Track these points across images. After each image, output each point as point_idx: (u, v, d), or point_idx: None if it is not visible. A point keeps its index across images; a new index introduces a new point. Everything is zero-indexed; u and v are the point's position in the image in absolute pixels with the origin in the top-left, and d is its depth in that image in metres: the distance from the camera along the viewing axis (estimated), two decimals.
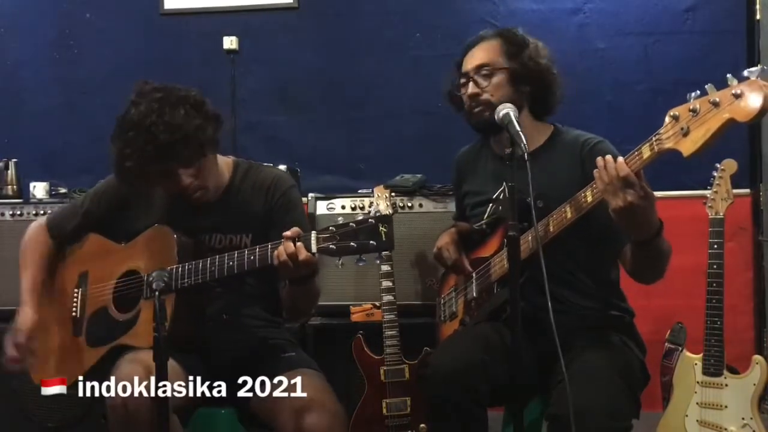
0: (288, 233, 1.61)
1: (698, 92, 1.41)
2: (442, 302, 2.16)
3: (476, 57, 1.93)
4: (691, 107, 1.40)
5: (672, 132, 1.44)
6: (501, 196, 1.91)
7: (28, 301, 1.93)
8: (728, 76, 1.35)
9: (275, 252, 1.62)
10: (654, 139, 1.48)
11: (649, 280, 1.79)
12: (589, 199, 1.64)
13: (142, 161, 1.68)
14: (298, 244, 1.60)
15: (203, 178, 1.80)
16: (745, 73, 1.32)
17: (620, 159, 1.55)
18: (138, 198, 1.93)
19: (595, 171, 1.58)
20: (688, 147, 1.41)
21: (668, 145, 1.45)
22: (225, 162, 1.94)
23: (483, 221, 1.96)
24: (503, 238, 1.83)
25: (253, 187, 1.91)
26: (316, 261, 1.63)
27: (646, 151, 1.51)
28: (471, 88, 1.92)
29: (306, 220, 1.97)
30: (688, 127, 1.40)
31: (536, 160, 1.85)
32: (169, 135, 1.67)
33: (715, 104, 1.35)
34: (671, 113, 1.44)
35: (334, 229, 1.57)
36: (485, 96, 1.89)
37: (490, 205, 1.94)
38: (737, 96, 1.32)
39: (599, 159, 1.58)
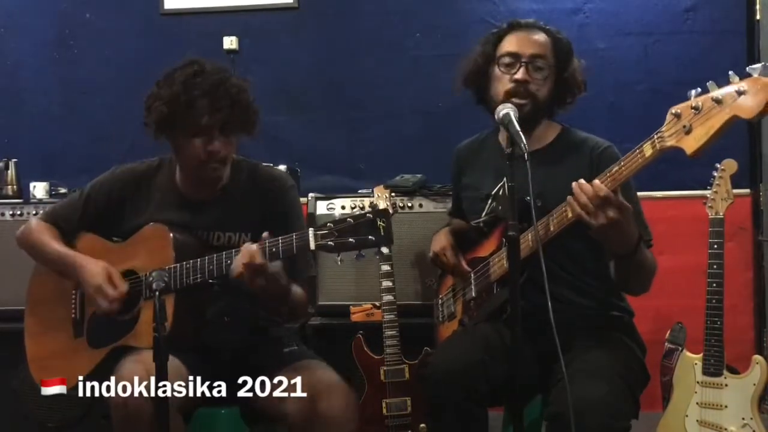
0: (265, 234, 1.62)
1: (699, 90, 1.40)
2: (440, 303, 2.15)
3: (533, 44, 1.86)
4: (693, 105, 1.39)
5: (674, 130, 1.43)
6: (500, 192, 1.90)
7: (78, 259, 1.86)
8: (730, 73, 1.34)
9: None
10: (656, 137, 1.48)
11: (633, 291, 1.82)
12: None
13: (203, 104, 1.72)
14: (254, 250, 1.60)
15: (229, 154, 1.82)
16: (748, 69, 1.31)
17: (596, 181, 1.57)
18: (135, 194, 1.93)
19: (569, 197, 1.60)
20: (691, 145, 1.40)
21: (671, 142, 1.44)
22: None
23: (481, 219, 1.96)
24: (501, 238, 1.83)
25: (253, 186, 1.91)
26: (268, 271, 1.63)
27: (647, 150, 1.50)
28: (522, 73, 1.82)
29: (303, 222, 1.97)
30: (690, 124, 1.40)
31: (543, 157, 1.85)
32: (236, 91, 1.76)
33: (718, 101, 1.35)
34: (673, 111, 1.44)
35: (332, 225, 1.56)
36: (533, 87, 1.83)
37: (489, 201, 1.94)
38: (740, 93, 1.31)
39: (574, 184, 1.59)
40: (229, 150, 1.81)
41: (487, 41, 1.94)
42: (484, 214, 1.95)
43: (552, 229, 1.71)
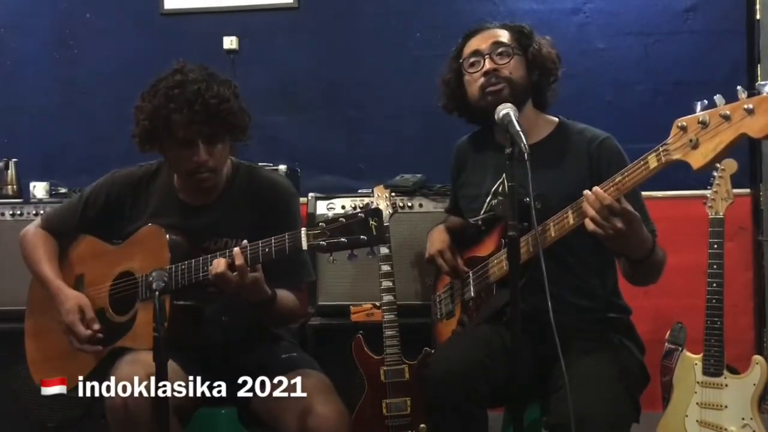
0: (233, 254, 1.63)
1: (705, 102, 1.37)
2: (438, 300, 2.14)
3: (490, 36, 1.89)
4: (700, 119, 1.36)
5: (680, 143, 1.41)
6: (500, 190, 1.90)
7: (55, 291, 1.88)
8: (738, 88, 1.31)
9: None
10: (661, 149, 1.45)
11: (645, 285, 1.79)
12: None
13: (179, 119, 1.70)
14: (236, 251, 1.62)
15: (218, 163, 1.81)
16: (757, 86, 1.29)
17: (597, 188, 1.53)
18: (134, 198, 1.93)
19: (584, 203, 1.55)
20: (697, 160, 1.38)
21: (676, 156, 1.42)
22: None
23: (479, 217, 1.94)
24: (500, 238, 1.82)
25: (252, 191, 1.90)
26: (242, 282, 1.63)
27: (652, 162, 1.47)
28: (488, 63, 1.85)
29: None
30: (697, 139, 1.37)
31: (539, 152, 1.82)
32: (216, 102, 1.72)
33: (726, 118, 1.32)
34: (678, 123, 1.41)
35: (324, 225, 1.57)
36: (504, 72, 1.84)
37: (488, 199, 1.93)
38: (749, 111, 1.28)
39: (587, 193, 1.54)
40: (218, 159, 1.80)
41: (451, 59, 1.98)
42: (482, 212, 1.94)
43: (553, 234, 1.69)
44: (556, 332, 1.47)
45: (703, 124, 1.36)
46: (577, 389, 1.55)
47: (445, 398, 1.71)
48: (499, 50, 1.87)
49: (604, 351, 1.75)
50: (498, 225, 1.87)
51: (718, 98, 1.35)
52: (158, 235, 1.80)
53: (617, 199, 1.52)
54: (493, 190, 1.92)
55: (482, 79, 1.85)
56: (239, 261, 1.62)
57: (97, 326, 1.82)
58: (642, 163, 1.50)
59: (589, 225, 1.55)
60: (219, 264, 1.63)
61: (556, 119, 1.95)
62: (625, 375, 1.70)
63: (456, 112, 2.03)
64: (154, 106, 1.73)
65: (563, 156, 1.86)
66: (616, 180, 1.54)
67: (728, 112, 1.32)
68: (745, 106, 1.29)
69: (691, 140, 1.38)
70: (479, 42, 1.91)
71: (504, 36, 1.90)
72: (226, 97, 1.75)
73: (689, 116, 1.40)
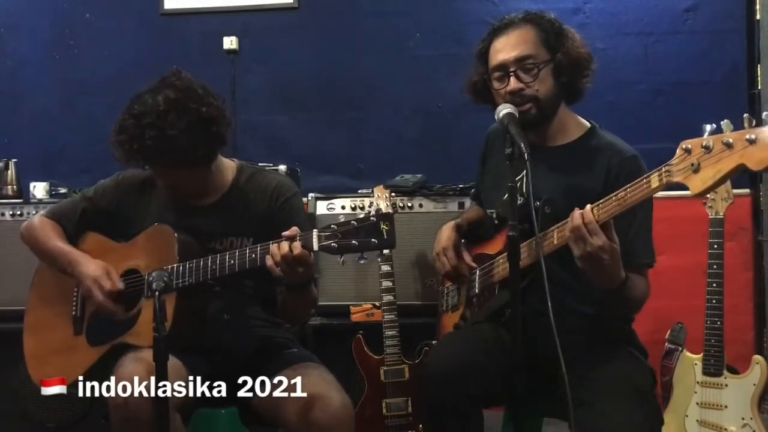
0: (287, 233, 1.61)
1: (714, 126, 1.35)
2: (445, 292, 2.12)
3: (514, 47, 1.78)
4: (704, 143, 1.34)
5: (682, 165, 1.39)
6: (518, 186, 1.87)
7: (77, 256, 1.88)
8: (745, 116, 1.29)
9: (267, 255, 1.63)
10: (664, 169, 1.43)
11: (617, 316, 1.79)
12: None
13: (130, 149, 1.73)
14: (295, 243, 1.59)
15: (216, 179, 1.85)
16: (764, 116, 1.26)
17: (587, 207, 1.53)
18: (138, 200, 1.94)
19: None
20: (696, 185, 1.36)
21: (677, 178, 1.40)
22: (229, 165, 1.94)
23: (494, 210, 1.90)
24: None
25: (255, 190, 1.91)
26: (311, 261, 1.63)
27: (654, 181, 1.46)
28: (513, 83, 1.76)
29: (308, 227, 1.96)
30: (699, 163, 1.35)
31: (560, 156, 1.82)
32: (153, 141, 1.69)
33: (729, 145, 1.29)
34: (683, 145, 1.39)
35: (336, 227, 1.57)
36: (530, 91, 1.77)
37: (506, 194, 1.90)
38: (751, 141, 1.25)
39: (576, 211, 1.54)
40: (215, 177, 1.86)
41: (478, 56, 1.89)
42: (497, 206, 1.91)
43: (555, 242, 1.67)
44: (558, 336, 1.46)
45: (707, 149, 1.33)
46: (605, 406, 1.54)
47: (441, 397, 1.70)
48: (526, 64, 1.78)
49: (617, 362, 1.72)
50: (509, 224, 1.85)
51: (725, 123, 1.33)
52: (167, 234, 1.81)
53: (606, 230, 1.51)
54: (510, 185, 1.88)
55: (508, 98, 1.78)
56: (297, 251, 1.60)
57: (121, 285, 1.82)
58: (645, 181, 1.48)
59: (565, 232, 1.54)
60: (284, 246, 1.61)
61: (588, 125, 1.90)
62: (646, 386, 1.68)
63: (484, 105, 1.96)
64: (118, 126, 1.76)
65: (583, 165, 1.82)
66: (619, 195, 1.52)
67: (731, 140, 1.29)
68: (747, 136, 1.26)
69: (693, 164, 1.36)
70: (504, 50, 1.79)
71: (530, 42, 1.80)
72: (169, 135, 1.69)
73: (694, 139, 1.37)
